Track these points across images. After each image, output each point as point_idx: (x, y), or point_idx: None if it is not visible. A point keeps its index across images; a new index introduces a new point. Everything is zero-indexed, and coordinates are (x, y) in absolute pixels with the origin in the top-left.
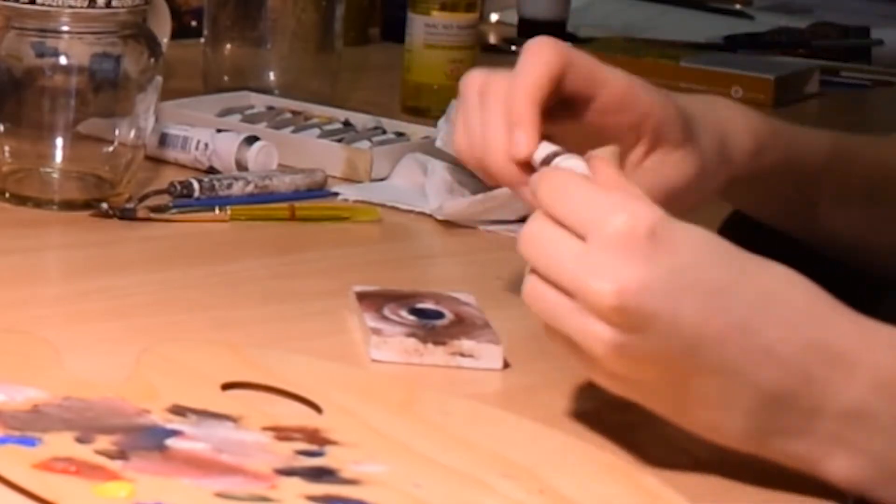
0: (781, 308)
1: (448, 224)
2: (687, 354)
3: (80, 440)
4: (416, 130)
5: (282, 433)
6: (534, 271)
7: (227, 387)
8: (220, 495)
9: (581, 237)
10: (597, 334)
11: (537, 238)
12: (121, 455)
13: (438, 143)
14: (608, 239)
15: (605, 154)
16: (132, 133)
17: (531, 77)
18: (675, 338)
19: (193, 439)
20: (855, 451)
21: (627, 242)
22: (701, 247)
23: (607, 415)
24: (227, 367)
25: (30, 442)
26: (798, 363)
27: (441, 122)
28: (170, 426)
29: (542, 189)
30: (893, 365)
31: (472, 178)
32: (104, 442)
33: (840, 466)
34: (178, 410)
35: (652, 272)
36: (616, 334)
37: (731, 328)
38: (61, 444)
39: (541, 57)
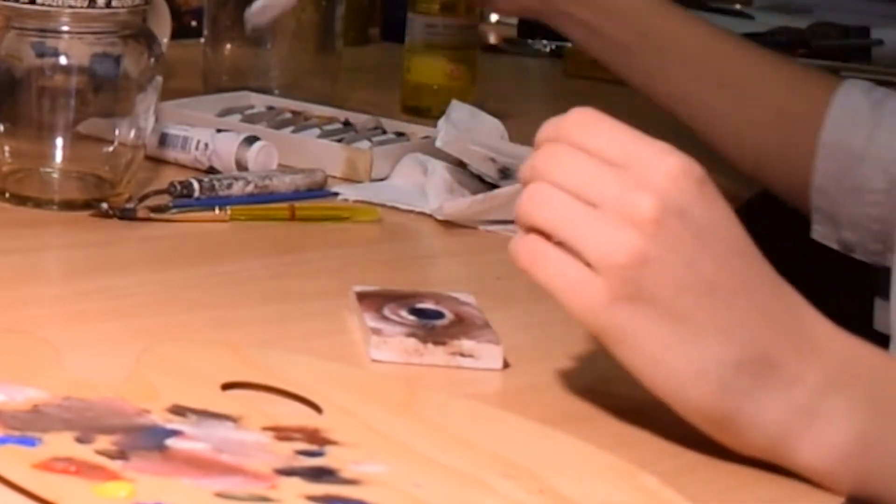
0: (786, 297)
1: (448, 224)
2: (697, 294)
3: (80, 440)
4: (416, 130)
5: (282, 433)
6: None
7: (227, 387)
8: (220, 495)
9: (618, 168)
10: (624, 241)
11: (566, 158)
12: (121, 455)
13: (438, 143)
14: (658, 171)
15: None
16: (132, 133)
17: None
18: (694, 274)
19: (193, 439)
20: (828, 423)
21: (679, 178)
22: (730, 212)
23: (607, 415)
24: (227, 367)
25: (30, 442)
26: (792, 333)
27: (441, 122)
28: (170, 426)
29: (578, 124)
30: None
31: (473, 178)
32: (104, 442)
33: (812, 442)
34: (178, 410)
35: (692, 207)
36: (646, 244)
37: (741, 290)
38: (61, 444)
39: None
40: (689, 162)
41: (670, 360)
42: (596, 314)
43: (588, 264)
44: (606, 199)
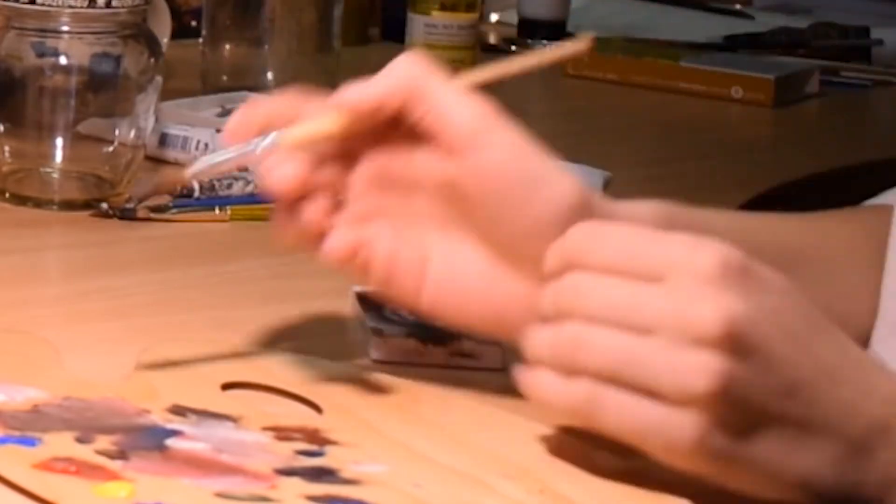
0: (858, 365)
1: None
2: (782, 396)
3: (80, 440)
4: None
5: (282, 433)
6: (585, 321)
7: (226, 387)
8: (221, 495)
9: (656, 280)
10: (702, 365)
11: (593, 286)
12: (121, 455)
13: None
14: (700, 273)
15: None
16: (132, 133)
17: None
18: (774, 375)
19: (193, 439)
20: None
21: (722, 275)
22: (786, 289)
23: None
24: (227, 367)
25: (30, 442)
26: (879, 416)
27: None
28: (170, 426)
29: (591, 245)
30: None
31: None
32: (104, 442)
33: None
34: (178, 410)
35: (751, 304)
36: (724, 361)
37: (821, 376)
38: (61, 444)
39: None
40: (723, 250)
41: (788, 471)
42: (694, 452)
43: (663, 397)
44: (659, 321)
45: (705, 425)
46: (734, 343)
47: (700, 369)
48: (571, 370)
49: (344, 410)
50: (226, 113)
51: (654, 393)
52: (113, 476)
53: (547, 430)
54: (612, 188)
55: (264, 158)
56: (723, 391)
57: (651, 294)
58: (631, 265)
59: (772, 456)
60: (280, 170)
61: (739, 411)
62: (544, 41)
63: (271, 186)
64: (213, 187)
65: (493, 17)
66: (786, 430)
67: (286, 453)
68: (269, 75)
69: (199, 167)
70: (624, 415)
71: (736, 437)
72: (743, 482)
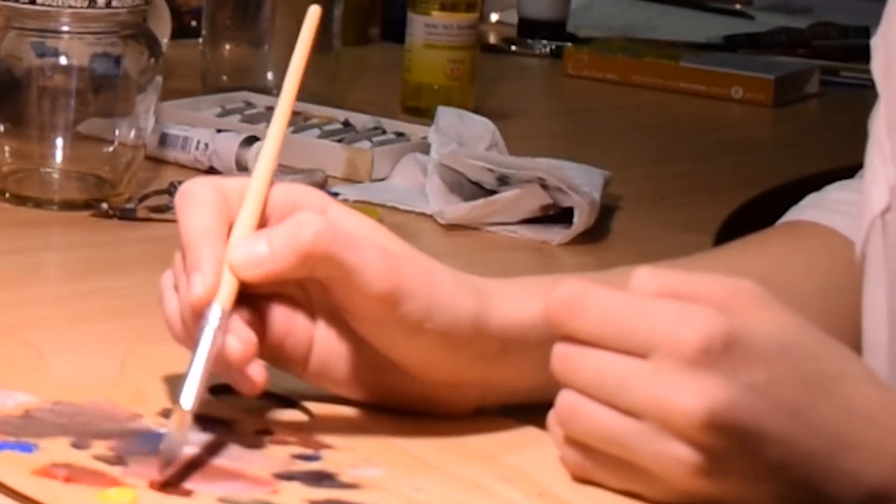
0: (864, 427)
1: (448, 224)
2: (774, 472)
3: (76, 446)
4: (416, 130)
5: (276, 437)
6: (578, 392)
7: (215, 390)
8: (223, 500)
9: (641, 356)
10: (680, 457)
11: (581, 360)
12: (119, 461)
13: (434, 155)
14: (682, 353)
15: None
16: (132, 133)
17: (194, 224)
18: (762, 458)
19: (189, 444)
20: None
21: (704, 357)
22: (778, 356)
23: None
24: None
25: (27, 448)
26: (882, 483)
27: (431, 132)
28: (164, 431)
29: (575, 314)
30: None
31: (471, 184)
32: (101, 447)
33: None
34: (170, 415)
35: (736, 388)
36: (702, 457)
37: (818, 451)
38: (58, 449)
39: (197, 202)
40: (709, 323)
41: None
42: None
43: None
44: (643, 407)
45: (704, 465)
46: (714, 436)
47: (680, 461)
48: (568, 436)
49: (333, 414)
50: (226, 113)
51: (643, 472)
52: (114, 482)
53: (541, 434)
54: (612, 188)
55: (225, 335)
56: (701, 481)
57: (636, 374)
58: (617, 339)
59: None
60: (230, 344)
61: (723, 491)
62: (544, 41)
63: (230, 357)
64: None
65: (493, 17)
66: (775, 496)
67: (283, 457)
68: (269, 75)
69: (193, 391)
70: (619, 482)
71: (736, 477)
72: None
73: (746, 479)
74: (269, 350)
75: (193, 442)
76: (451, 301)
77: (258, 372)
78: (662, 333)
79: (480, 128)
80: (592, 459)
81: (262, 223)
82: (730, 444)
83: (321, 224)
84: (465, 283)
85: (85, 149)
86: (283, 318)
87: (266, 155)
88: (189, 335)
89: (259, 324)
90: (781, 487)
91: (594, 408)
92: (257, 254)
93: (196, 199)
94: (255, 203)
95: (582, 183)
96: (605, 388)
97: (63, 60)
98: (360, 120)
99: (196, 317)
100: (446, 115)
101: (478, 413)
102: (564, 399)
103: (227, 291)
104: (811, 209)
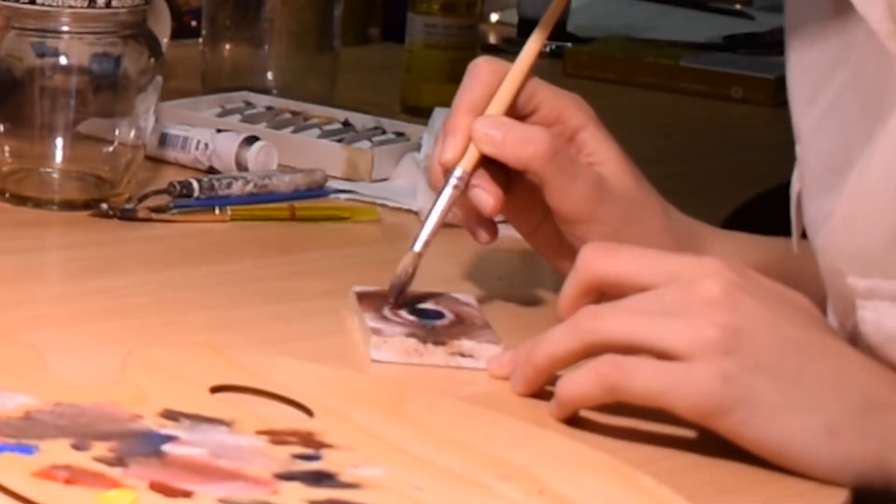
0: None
1: (448, 224)
2: (794, 353)
3: (76, 447)
4: (416, 130)
5: (276, 437)
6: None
7: (215, 390)
8: (223, 501)
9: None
10: (709, 321)
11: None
12: (119, 462)
13: (419, 157)
14: (704, 266)
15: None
16: (132, 133)
17: (467, 94)
18: (782, 337)
19: (189, 444)
20: None
21: (726, 266)
22: (778, 284)
23: (605, 415)
24: (213, 369)
25: (27, 450)
26: (871, 369)
27: (425, 135)
28: (164, 431)
29: (610, 253)
30: None
31: None
32: (101, 449)
33: None
34: (171, 415)
35: (748, 283)
36: (730, 316)
37: (823, 343)
38: (58, 451)
39: (478, 77)
40: (724, 258)
41: (798, 428)
42: (708, 399)
43: (678, 359)
44: (671, 301)
45: (718, 372)
46: (735, 302)
47: (707, 324)
48: (594, 345)
49: (334, 413)
50: (226, 113)
51: (669, 353)
52: (114, 484)
53: (541, 431)
54: None
55: (462, 191)
56: (730, 339)
57: (663, 289)
58: (647, 271)
59: (787, 407)
60: (482, 198)
61: (751, 359)
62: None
63: (482, 208)
64: (212, 187)
65: (493, 17)
66: (798, 383)
67: (283, 457)
68: (269, 75)
69: (425, 237)
70: (649, 373)
71: (749, 388)
72: (762, 437)
73: (773, 353)
74: (510, 208)
75: (194, 442)
76: (643, 242)
77: (495, 227)
78: (687, 262)
79: None
80: (625, 363)
81: (517, 112)
82: (751, 315)
83: (546, 146)
84: (668, 230)
85: (85, 149)
86: (526, 185)
87: (530, 47)
88: (437, 184)
89: (507, 185)
90: (800, 373)
91: (620, 309)
92: (490, 136)
93: (479, 72)
94: (509, 90)
95: None
96: (635, 302)
97: (63, 60)
98: (360, 120)
99: (445, 173)
100: (441, 116)
101: (468, 411)
102: (587, 310)
103: (470, 157)
104: None
